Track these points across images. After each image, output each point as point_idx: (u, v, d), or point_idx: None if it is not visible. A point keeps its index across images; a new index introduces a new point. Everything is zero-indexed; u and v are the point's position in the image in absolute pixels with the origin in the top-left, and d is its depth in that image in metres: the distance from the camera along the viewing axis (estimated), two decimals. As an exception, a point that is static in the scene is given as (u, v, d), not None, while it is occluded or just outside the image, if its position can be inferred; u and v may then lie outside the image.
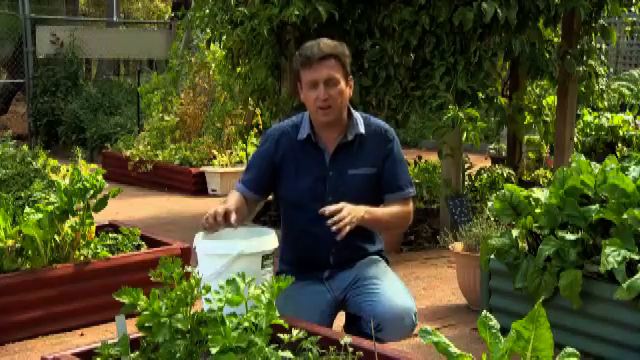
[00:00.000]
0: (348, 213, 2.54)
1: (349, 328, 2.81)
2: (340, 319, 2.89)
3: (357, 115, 2.83)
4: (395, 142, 2.85)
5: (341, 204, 2.58)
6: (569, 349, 1.87)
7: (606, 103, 6.60)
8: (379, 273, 2.77)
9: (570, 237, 3.20)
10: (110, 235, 4.18)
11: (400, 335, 2.59)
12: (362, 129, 2.79)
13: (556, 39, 6.04)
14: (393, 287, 2.70)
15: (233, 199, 2.73)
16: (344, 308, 2.82)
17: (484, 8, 4.81)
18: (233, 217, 2.50)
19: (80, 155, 4.58)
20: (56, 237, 3.78)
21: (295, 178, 2.79)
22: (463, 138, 5.23)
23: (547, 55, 5.68)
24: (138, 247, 4.19)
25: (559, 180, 3.48)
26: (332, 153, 2.78)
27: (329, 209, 2.55)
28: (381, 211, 2.76)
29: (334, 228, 2.52)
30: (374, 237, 2.91)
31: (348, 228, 2.53)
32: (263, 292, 2.02)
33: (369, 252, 2.89)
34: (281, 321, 2.00)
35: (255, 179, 2.83)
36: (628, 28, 6.27)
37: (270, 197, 3.01)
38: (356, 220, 2.56)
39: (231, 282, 2.03)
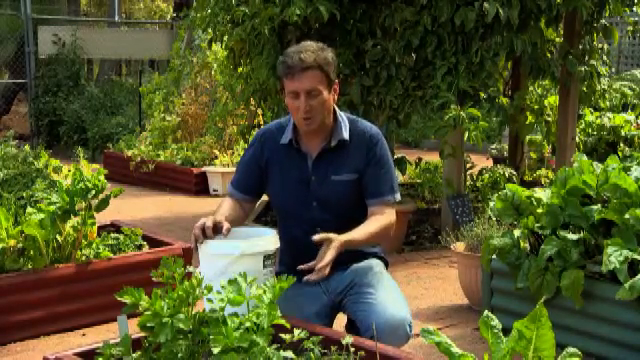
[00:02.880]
0: (328, 262, 2.49)
1: (351, 328, 2.81)
2: (342, 319, 2.89)
3: (344, 118, 2.78)
4: (379, 146, 2.77)
5: (330, 240, 2.52)
6: (571, 349, 1.87)
7: (608, 103, 6.60)
8: (374, 281, 2.73)
9: (572, 237, 3.20)
10: (112, 235, 4.19)
11: (394, 345, 2.57)
12: (346, 135, 2.74)
13: (558, 39, 6.04)
14: (388, 297, 2.66)
15: (225, 206, 2.72)
16: (342, 311, 2.81)
17: (486, 8, 4.81)
18: (226, 227, 2.47)
19: (82, 155, 4.58)
20: (58, 237, 3.79)
21: (280, 182, 2.78)
22: (465, 138, 5.23)
23: (549, 55, 5.69)
24: (140, 247, 4.20)
25: (561, 180, 3.47)
26: (315, 158, 2.76)
27: (316, 238, 2.53)
28: (360, 234, 2.66)
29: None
30: None
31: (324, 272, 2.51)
32: (265, 292, 2.02)
33: (363, 252, 2.86)
34: (283, 321, 2.00)
35: (243, 180, 2.84)
36: (630, 28, 6.26)
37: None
38: (332, 259, 2.52)
39: (233, 282, 2.03)
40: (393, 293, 2.71)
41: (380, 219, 2.72)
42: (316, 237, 2.54)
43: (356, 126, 2.79)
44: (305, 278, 2.49)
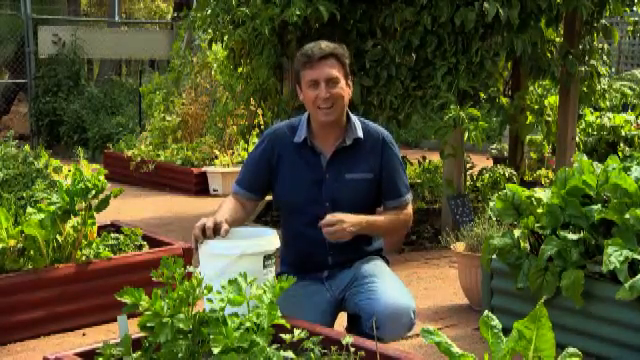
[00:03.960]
0: (341, 227, 2.58)
1: (351, 328, 2.81)
2: (342, 319, 2.89)
3: (355, 119, 2.82)
4: (394, 148, 2.85)
5: (337, 215, 2.61)
6: (571, 349, 1.87)
7: (608, 103, 6.59)
8: (376, 271, 2.77)
9: (572, 237, 3.20)
10: (112, 235, 4.19)
11: (398, 333, 2.59)
12: (360, 133, 2.79)
13: (558, 39, 6.04)
14: (391, 285, 2.70)
15: (226, 207, 2.73)
16: (344, 308, 2.82)
17: (486, 8, 4.81)
18: (224, 228, 2.48)
19: (82, 155, 4.58)
20: (58, 237, 3.79)
21: (291, 181, 2.79)
22: (465, 138, 5.23)
23: (549, 55, 5.68)
24: (140, 247, 4.19)
25: (561, 180, 3.47)
26: (329, 157, 2.78)
27: (323, 222, 2.59)
28: (381, 220, 2.79)
29: (328, 238, 2.61)
30: (372, 237, 2.90)
31: (342, 240, 2.62)
32: (265, 292, 2.02)
33: (368, 252, 2.89)
34: (283, 321, 2.00)
35: (250, 178, 2.84)
36: (630, 28, 6.25)
37: (270, 197, 3.00)
38: (350, 232, 2.62)
39: (233, 282, 2.03)
40: (395, 283, 2.75)
41: (399, 211, 2.84)
42: (326, 220, 2.59)
43: (368, 126, 2.85)
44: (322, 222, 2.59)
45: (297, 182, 2.78)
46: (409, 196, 2.88)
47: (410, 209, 2.89)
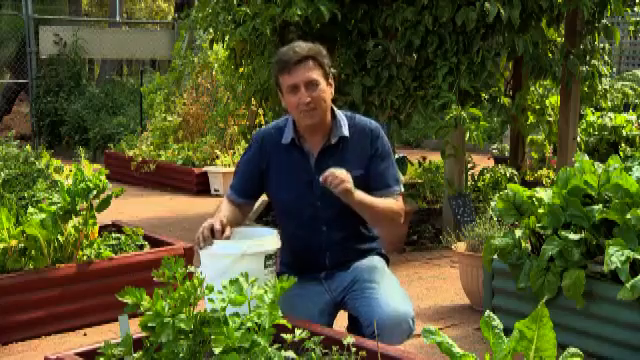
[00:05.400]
0: (344, 185, 2.51)
1: (352, 329, 2.81)
2: (343, 319, 2.89)
3: (341, 116, 2.78)
4: (380, 139, 2.79)
5: (344, 174, 2.54)
6: (572, 349, 1.87)
7: (609, 103, 6.59)
8: (377, 276, 2.74)
9: (573, 237, 3.20)
10: (113, 235, 4.19)
11: (397, 340, 2.57)
12: (346, 131, 2.75)
13: (559, 39, 6.04)
14: (390, 291, 2.67)
15: (225, 209, 2.73)
16: (344, 309, 2.81)
17: (487, 8, 4.81)
18: (226, 234, 2.48)
19: (83, 155, 4.58)
20: (59, 237, 3.79)
21: (282, 183, 2.78)
22: (466, 138, 5.23)
23: (550, 55, 5.68)
24: (141, 247, 4.20)
25: (562, 180, 3.47)
26: (317, 157, 2.76)
27: (327, 173, 2.53)
28: (375, 199, 2.70)
29: (323, 182, 2.54)
30: (369, 237, 2.88)
31: (339, 187, 2.52)
32: (266, 292, 2.02)
33: (365, 252, 2.87)
34: (284, 321, 2.00)
35: (242, 184, 2.83)
36: (631, 28, 6.24)
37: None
38: (349, 191, 2.54)
39: (234, 282, 2.03)
40: (395, 288, 2.72)
41: (390, 201, 2.73)
42: (322, 177, 2.53)
43: (355, 122, 2.80)
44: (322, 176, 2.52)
45: (288, 183, 2.77)
46: (398, 188, 2.78)
47: (401, 202, 2.79)
